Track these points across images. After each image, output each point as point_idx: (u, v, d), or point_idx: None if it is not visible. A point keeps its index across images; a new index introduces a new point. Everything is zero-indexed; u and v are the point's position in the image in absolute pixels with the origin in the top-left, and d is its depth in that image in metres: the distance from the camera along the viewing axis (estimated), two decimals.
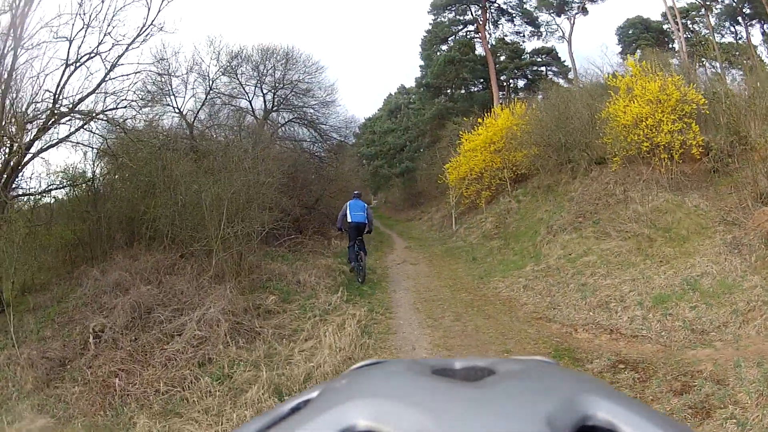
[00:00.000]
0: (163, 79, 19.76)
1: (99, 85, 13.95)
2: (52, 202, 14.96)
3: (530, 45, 43.97)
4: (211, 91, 22.66)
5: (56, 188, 14.62)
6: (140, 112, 16.87)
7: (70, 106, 13.44)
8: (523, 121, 22.14)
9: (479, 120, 24.19)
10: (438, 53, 40.52)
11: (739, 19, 35.31)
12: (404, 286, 14.24)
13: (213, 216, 12.61)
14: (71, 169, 15.01)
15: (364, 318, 11.06)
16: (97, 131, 14.54)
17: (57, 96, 13.29)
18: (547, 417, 0.61)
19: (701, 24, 36.52)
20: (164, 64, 19.05)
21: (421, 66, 42.28)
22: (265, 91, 25.07)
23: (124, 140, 15.19)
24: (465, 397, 0.66)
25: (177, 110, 21.20)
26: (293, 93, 25.52)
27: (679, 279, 10.53)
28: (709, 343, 8.15)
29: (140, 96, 17.23)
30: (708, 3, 34.89)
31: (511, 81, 41.46)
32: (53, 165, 24.78)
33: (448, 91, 40.32)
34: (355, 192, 15.56)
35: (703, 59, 28.41)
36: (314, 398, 0.78)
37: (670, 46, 36.41)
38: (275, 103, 25.42)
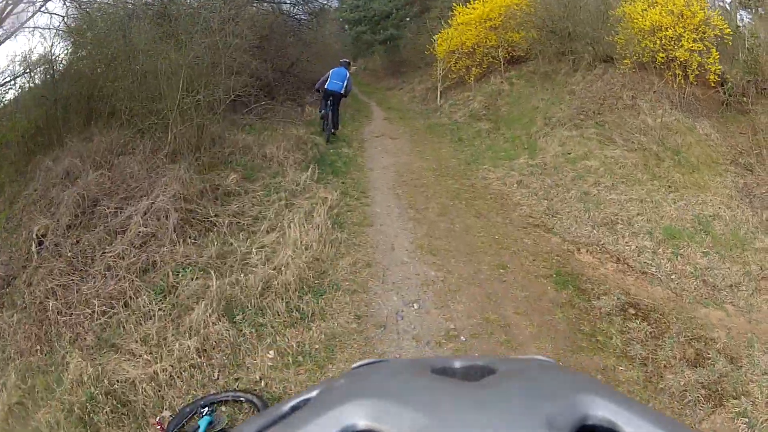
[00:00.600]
0: None
1: None
2: (16, 94, 13.18)
3: None
4: None
5: (14, 78, 12.94)
6: None
7: None
8: (526, 1, 20.03)
9: None
10: None
11: None
12: (382, 164, 12.94)
13: (171, 85, 10.85)
14: (29, 55, 13.30)
15: (336, 203, 9.76)
16: (55, 12, 12.23)
17: None
18: (547, 417, 0.60)
19: None
20: None
21: None
22: None
23: (84, 16, 13.75)
24: (465, 397, 0.65)
25: None
26: None
27: (690, 214, 9.70)
28: (720, 304, 7.43)
29: None
30: None
31: None
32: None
33: None
34: (343, 60, 15.33)
35: None
36: (314, 398, 0.77)
37: None
38: None
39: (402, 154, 13.92)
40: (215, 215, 8.63)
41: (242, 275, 7.17)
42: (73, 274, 7.15)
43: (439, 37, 22.36)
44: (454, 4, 22.31)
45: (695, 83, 13.93)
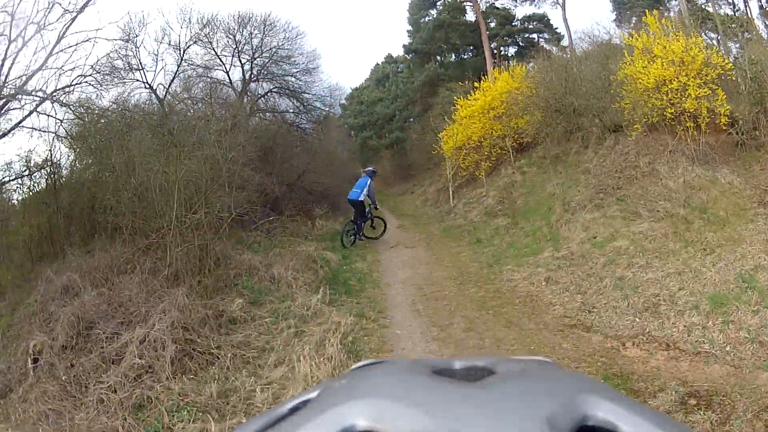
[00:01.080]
0: (129, 53, 18.71)
1: (46, 59, 11.93)
2: (23, 196, 13.44)
3: (522, 11, 41.89)
4: (182, 62, 21.15)
5: (18, 177, 13.13)
6: (102, 88, 15.88)
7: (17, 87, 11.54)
8: (526, 83, 20.09)
9: (475, 84, 22.17)
10: (426, 18, 38.12)
11: None
12: (400, 278, 12.24)
13: (167, 201, 10.57)
14: (28, 156, 13.32)
15: (351, 328, 9.06)
16: (53, 114, 13.20)
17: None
18: (547, 417, 0.61)
19: None
20: (130, 34, 18.13)
21: (408, 32, 39.89)
22: (243, 61, 23.13)
23: (85, 122, 13.91)
24: (465, 398, 0.66)
25: (147, 85, 19.63)
26: (273, 61, 23.46)
27: (732, 274, 8.96)
28: None
29: (106, 72, 16.68)
30: None
31: (501, 48, 38.87)
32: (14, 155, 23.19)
33: (438, 57, 38.81)
34: (366, 168, 15.92)
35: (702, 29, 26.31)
36: (314, 398, 0.77)
37: (666, 14, 33.85)
38: (254, 73, 23.45)
39: (420, 264, 13.40)
40: (217, 347, 8.01)
41: (245, 419, 6.48)
42: (67, 400, 6.75)
43: (444, 134, 22.37)
44: (455, 98, 22.50)
45: (707, 131, 13.52)
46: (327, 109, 26.13)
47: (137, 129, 13.62)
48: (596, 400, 0.66)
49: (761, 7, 31.37)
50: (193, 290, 9.25)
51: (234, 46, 22.98)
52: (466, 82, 23.15)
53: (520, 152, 20.25)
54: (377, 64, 45.01)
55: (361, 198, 14.74)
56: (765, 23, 29.95)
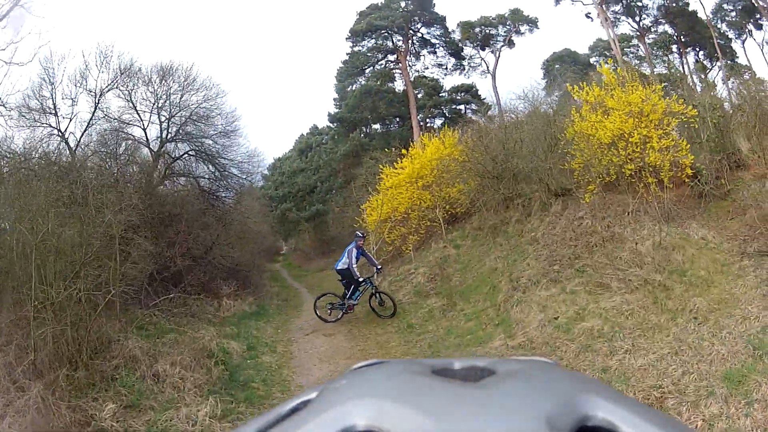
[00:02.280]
0: (44, 93, 17.38)
1: None
2: None
3: (450, 81, 41.86)
4: (97, 110, 18.89)
5: None
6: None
7: None
8: (458, 149, 18.80)
9: (403, 151, 20.62)
10: (354, 86, 37.80)
11: (673, 47, 35.06)
12: (315, 376, 10.04)
13: (24, 269, 8.83)
14: None
15: None
16: None
17: None
18: (547, 417, 0.61)
19: (632, 55, 36.15)
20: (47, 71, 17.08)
21: (335, 99, 39.26)
22: (162, 119, 20.67)
23: None
24: (465, 398, 0.66)
25: (58, 132, 17.66)
26: (191, 120, 21.10)
27: (740, 342, 7.92)
28: None
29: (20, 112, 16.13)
30: (641, 33, 34.93)
31: (428, 120, 38.28)
32: None
33: (364, 128, 38.17)
34: (356, 233, 14.97)
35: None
36: (314, 398, 0.77)
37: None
38: (170, 132, 20.97)
39: (340, 357, 11.13)
40: None
41: None
42: None
43: (367, 206, 20.63)
44: (380, 167, 20.94)
45: (670, 186, 12.79)
46: (245, 176, 23.70)
47: (37, 180, 12.22)
48: (596, 400, 0.65)
49: (696, 60, 33.42)
50: (58, 387, 7.49)
51: (153, 101, 20.74)
52: (393, 149, 21.63)
53: (452, 224, 18.62)
54: (302, 134, 44.06)
55: (339, 266, 14.23)
56: (699, 78, 31.10)
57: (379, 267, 14.78)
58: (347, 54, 37.99)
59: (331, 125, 39.38)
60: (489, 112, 34.35)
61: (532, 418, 0.59)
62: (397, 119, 38.21)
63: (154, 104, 20.38)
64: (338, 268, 14.22)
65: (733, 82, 23.85)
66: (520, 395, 0.66)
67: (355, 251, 13.92)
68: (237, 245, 19.14)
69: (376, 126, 38.82)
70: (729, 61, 32.11)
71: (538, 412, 0.61)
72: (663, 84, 14.85)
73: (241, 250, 19.05)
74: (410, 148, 20.87)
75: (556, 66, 35.92)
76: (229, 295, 15.93)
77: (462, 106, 39.06)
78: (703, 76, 30.21)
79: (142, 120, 20.12)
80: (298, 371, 10.35)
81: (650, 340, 8.47)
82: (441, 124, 36.26)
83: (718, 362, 7.51)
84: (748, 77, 22.55)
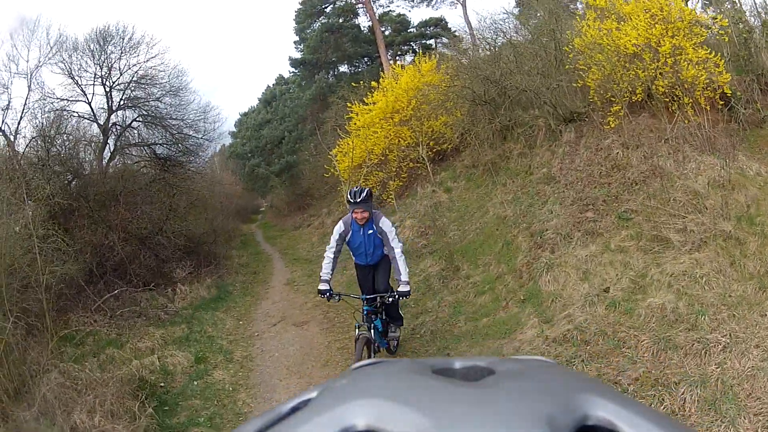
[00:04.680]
0: None
1: None
2: None
3: (418, 15, 40.80)
4: (31, 91, 17.33)
5: None
6: None
7: None
8: (439, 75, 16.83)
9: (373, 84, 18.67)
10: (315, 25, 35.88)
11: None
12: (282, 400, 6.72)
13: None
14: None
15: None
16: None
17: None
18: (547, 417, 0.60)
19: None
20: None
21: (296, 43, 37.54)
22: (107, 88, 19.00)
23: None
24: (465, 397, 0.65)
25: None
26: (136, 83, 19.50)
27: None
28: None
29: None
30: None
31: (398, 58, 36.76)
32: None
33: (331, 71, 37.01)
34: (353, 191, 6.88)
35: None
36: (314, 398, 0.76)
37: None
38: (114, 101, 19.20)
39: (315, 364, 8.57)
40: None
41: None
42: None
43: (336, 151, 19.04)
44: (349, 105, 19.00)
45: (707, 108, 10.93)
46: (201, 136, 21.66)
47: None
48: (596, 400, 0.65)
49: None
50: None
51: (94, 71, 19.13)
52: (362, 83, 19.75)
53: (440, 163, 16.72)
54: (268, 86, 42.05)
55: (378, 259, 7.37)
56: None
57: (405, 280, 6.76)
58: None
59: (294, 71, 38.03)
60: (461, 45, 32.61)
61: (532, 417, 0.59)
62: (366, 59, 37.01)
63: (95, 74, 18.90)
64: (376, 262, 7.39)
65: None
66: (520, 395, 0.66)
67: (341, 228, 7.11)
68: (196, 215, 17.96)
69: (344, 69, 37.49)
70: None
71: (538, 411, 0.60)
72: None
73: (201, 219, 17.68)
74: (381, 81, 18.98)
75: None
76: (185, 278, 14.06)
77: (432, 41, 37.68)
78: None
79: (85, 94, 18.70)
80: (259, 394, 7.90)
81: (744, 323, 6.43)
82: (411, 61, 35.29)
83: None
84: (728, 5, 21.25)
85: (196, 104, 22.51)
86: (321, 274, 7.04)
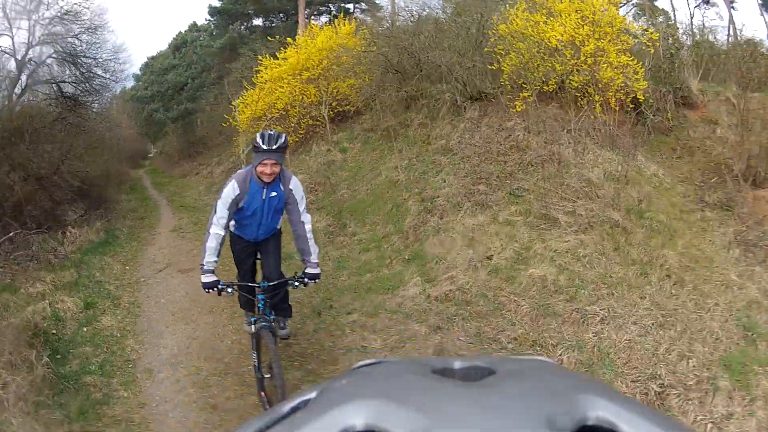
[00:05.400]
0: None
1: None
2: None
3: None
4: None
5: None
6: None
7: None
8: (355, 39, 16.60)
9: (289, 40, 17.92)
10: None
11: None
12: (171, 351, 6.98)
13: None
14: None
15: None
16: None
17: None
18: (547, 417, 0.62)
19: None
20: None
21: None
22: (32, 22, 18.27)
23: None
24: (465, 397, 0.67)
25: None
26: (59, 18, 18.53)
27: (731, 318, 6.83)
28: None
29: None
30: None
31: (313, 18, 34.90)
32: None
33: (246, 23, 35.40)
34: (267, 135, 5.04)
35: None
36: (314, 398, 0.79)
37: None
38: (33, 33, 18.46)
39: (202, 312, 8.09)
40: None
41: None
42: None
43: (240, 101, 18.38)
44: (260, 57, 18.45)
45: (616, 109, 11.32)
46: (110, 76, 20.81)
47: None
48: (596, 400, 0.66)
49: None
50: None
51: (24, 5, 18.34)
52: (277, 37, 19.30)
53: (340, 124, 16.43)
54: (180, 32, 40.53)
55: (274, 228, 5.82)
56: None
57: (315, 261, 5.50)
58: None
59: (211, 19, 36.51)
60: (379, 13, 32.43)
61: (532, 418, 0.60)
62: (282, 15, 35.43)
63: (25, 8, 18.16)
64: (270, 233, 5.76)
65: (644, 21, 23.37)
66: (520, 395, 0.67)
67: (235, 190, 5.18)
68: (93, 156, 17.04)
69: (258, 22, 36.08)
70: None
71: (538, 411, 0.61)
72: None
73: (97, 161, 16.98)
74: (297, 39, 18.57)
75: None
76: (76, 221, 13.36)
77: (351, 5, 36.12)
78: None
79: (12, 27, 17.94)
80: (147, 340, 7.44)
81: (623, 301, 6.87)
82: (327, 22, 34.93)
83: (712, 343, 6.37)
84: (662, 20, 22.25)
85: (111, 44, 22.03)
86: (204, 261, 5.18)
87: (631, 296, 6.99)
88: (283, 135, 5.06)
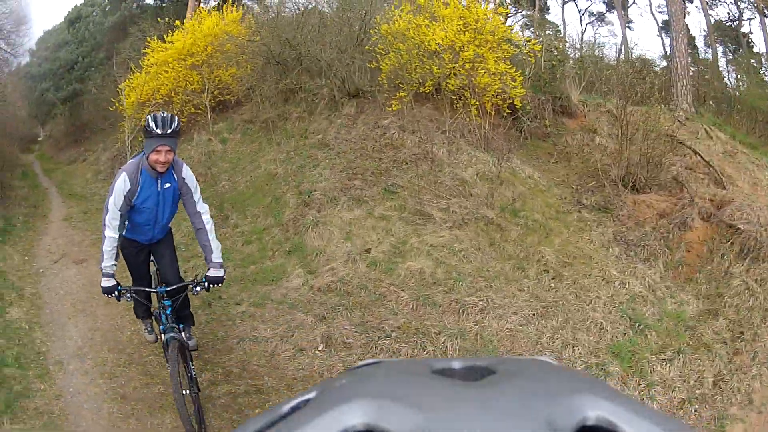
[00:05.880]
0: None
1: None
2: None
3: None
4: None
5: None
6: None
7: None
8: (241, 28, 16.43)
9: (177, 23, 17.44)
10: None
11: None
12: (77, 344, 6.88)
13: None
14: None
15: None
16: None
17: None
18: (547, 417, 0.62)
19: None
20: None
21: None
22: None
23: None
24: (465, 397, 0.67)
25: None
26: None
27: (615, 310, 7.39)
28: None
29: None
30: None
31: (203, 1, 33.97)
32: None
33: (138, 1, 33.66)
34: (159, 117, 4.61)
35: None
36: (314, 398, 0.78)
37: None
38: None
39: (98, 301, 7.82)
40: None
41: None
42: None
43: (126, 85, 17.64)
44: (148, 39, 17.94)
45: (492, 113, 11.85)
46: (10, 50, 19.33)
47: None
48: (596, 400, 0.66)
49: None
50: None
51: None
52: (167, 20, 18.37)
53: (221, 113, 16.27)
54: (75, 5, 37.58)
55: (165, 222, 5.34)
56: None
57: (217, 262, 5.05)
58: None
59: None
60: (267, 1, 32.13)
61: (532, 417, 0.59)
62: None
63: None
64: (161, 234, 5.37)
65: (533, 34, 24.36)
66: (520, 395, 0.67)
67: (126, 184, 4.71)
68: None
69: (150, 0, 34.49)
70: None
71: (538, 411, 0.61)
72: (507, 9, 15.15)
73: None
74: (185, 23, 18.06)
75: None
76: None
77: None
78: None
79: None
80: (53, 332, 7.30)
81: (501, 293, 7.34)
82: (213, 6, 34.25)
83: (597, 332, 6.94)
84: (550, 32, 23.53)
85: (14, 15, 20.70)
86: (102, 264, 4.77)
87: (509, 288, 7.37)
88: (176, 118, 4.65)
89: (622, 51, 23.17)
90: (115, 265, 4.76)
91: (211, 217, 5.59)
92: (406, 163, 10.22)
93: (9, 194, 14.83)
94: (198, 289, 4.90)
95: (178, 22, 17.09)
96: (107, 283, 4.69)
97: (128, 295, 4.83)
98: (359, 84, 12.73)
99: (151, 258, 5.38)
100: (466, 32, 11.61)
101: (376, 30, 12.54)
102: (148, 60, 17.02)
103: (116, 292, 4.72)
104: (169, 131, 4.46)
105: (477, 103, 11.47)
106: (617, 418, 0.62)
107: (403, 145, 10.72)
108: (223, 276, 4.98)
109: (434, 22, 11.96)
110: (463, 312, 6.69)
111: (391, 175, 9.95)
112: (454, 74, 11.53)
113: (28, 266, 9.99)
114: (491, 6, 13.39)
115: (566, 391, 0.67)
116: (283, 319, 7.14)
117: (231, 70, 15.58)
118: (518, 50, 12.69)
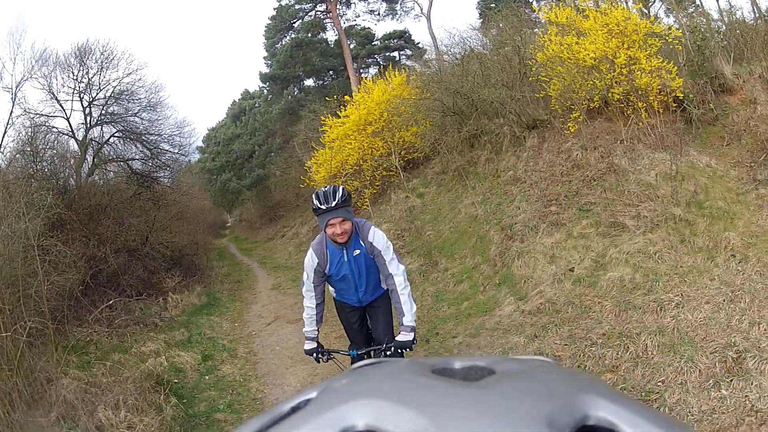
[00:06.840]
0: None
1: None
2: None
3: (382, 27, 40.94)
4: (15, 106, 16.62)
5: None
6: None
7: None
8: (409, 89, 17.27)
9: (346, 98, 19.11)
10: (284, 40, 36.25)
11: None
12: (292, 388, 7.78)
13: None
14: None
15: None
16: None
17: None
18: (547, 417, 0.61)
19: None
20: None
21: (265, 58, 37.87)
22: (85, 104, 18.39)
23: None
24: (465, 397, 0.66)
25: None
26: (114, 98, 18.91)
27: None
28: None
29: None
30: None
31: (362, 71, 37.27)
32: None
33: (298, 85, 37.21)
34: (321, 192, 4.59)
35: None
36: (314, 398, 0.77)
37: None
38: (93, 117, 18.65)
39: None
40: None
41: None
42: None
43: (313, 162, 19.22)
44: (321, 118, 19.32)
45: (660, 111, 11.76)
46: (178, 150, 21.24)
47: None
48: (596, 400, 0.65)
49: None
50: None
51: (73, 86, 18.48)
52: (335, 97, 20.00)
53: (411, 171, 17.25)
54: (234, 101, 42.11)
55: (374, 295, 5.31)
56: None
57: (409, 325, 4.73)
58: (274, 9, 36.21)
59: (263, 85, 38.08)
60: (425, 56, 32.95)
61: (532, 418, 0.59)
62: (331, 72, 37.01)
63: (74, 90, 18.27)
64: (369, 300, 5.31)
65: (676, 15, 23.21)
66: (520, 395, 0.65)
67: (313, 259, 4.94)
68: (177, 228, 17.62)
69: (309, 82, 37.64)
70: None
71: (538, 412, 0.60)
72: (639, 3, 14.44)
73: (182, 232, 17.46)
74: (353, 95, 19.40)
75: (492, 5, 33.36)
76: (175, 287, 14.13)
77: (396, 53, 38.07)
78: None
79: (64, 109, 18.06)
80: (270, 381, 8.36)
81: (695, 286, 7.29)
82: (375, 73, 35.62)
83: None
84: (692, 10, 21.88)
85: (173, 119, 22.29)
86: (305, 330, 5.16)
87: (701, 280, 7.39)
88: (340, 188, 4.57)
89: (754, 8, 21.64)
90: (316, 330, 5.10)
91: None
92: (594, 180, 10.57)
93: (209, 274, 16.28)
94: (388, 353, 4.77)
95: (347, 97, 18.37)
96: (308, 346, 5.08)
97: (325, 357, 5.02)
98: (534, 115, 13.19)
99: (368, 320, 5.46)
100: (613, 39, 11.73)
101: (533, 60, 12.92)
102: (328, 136, 18.27)
103: (315, 354, 5.01)
104: (333, 204, 4.45)
105: (644, 104, 11.49)
106: (618, 419, 0.63)
107: (587, 164, 11.07)
108: (412, 341, 4.71)
109: (582, 38, 12.13)
110: (660, 310, 6.99)
111: (582, 195, 10.36)
112: (616, 82, 11.63)
113: (239, 331, 11.17)
114: (630, 3, 13.36)
115: (567, 391, 0.68)
116: (497, 344, 7.73)
117: (412, 129, 16.41)
118: (664, 41, 12.29)
